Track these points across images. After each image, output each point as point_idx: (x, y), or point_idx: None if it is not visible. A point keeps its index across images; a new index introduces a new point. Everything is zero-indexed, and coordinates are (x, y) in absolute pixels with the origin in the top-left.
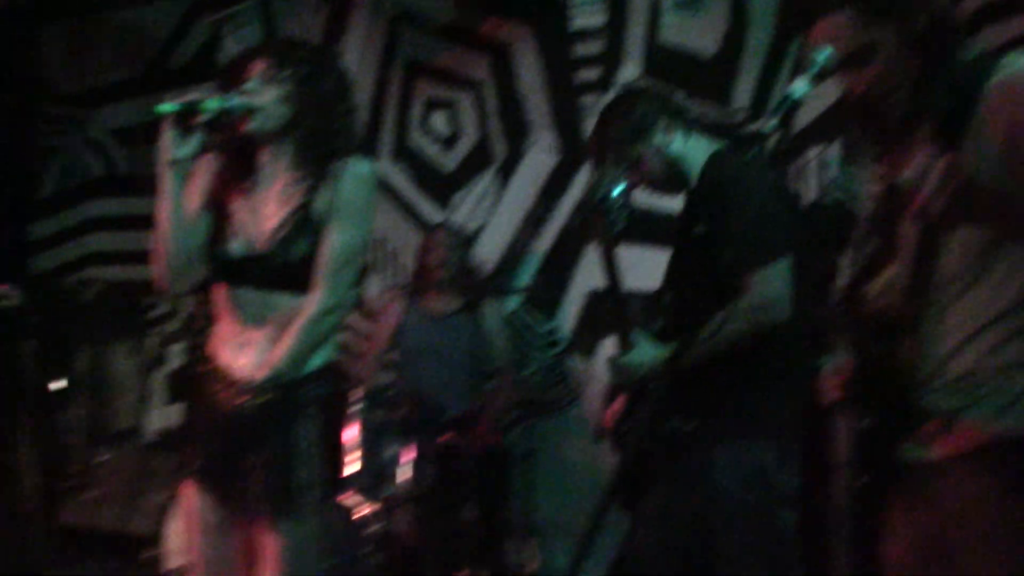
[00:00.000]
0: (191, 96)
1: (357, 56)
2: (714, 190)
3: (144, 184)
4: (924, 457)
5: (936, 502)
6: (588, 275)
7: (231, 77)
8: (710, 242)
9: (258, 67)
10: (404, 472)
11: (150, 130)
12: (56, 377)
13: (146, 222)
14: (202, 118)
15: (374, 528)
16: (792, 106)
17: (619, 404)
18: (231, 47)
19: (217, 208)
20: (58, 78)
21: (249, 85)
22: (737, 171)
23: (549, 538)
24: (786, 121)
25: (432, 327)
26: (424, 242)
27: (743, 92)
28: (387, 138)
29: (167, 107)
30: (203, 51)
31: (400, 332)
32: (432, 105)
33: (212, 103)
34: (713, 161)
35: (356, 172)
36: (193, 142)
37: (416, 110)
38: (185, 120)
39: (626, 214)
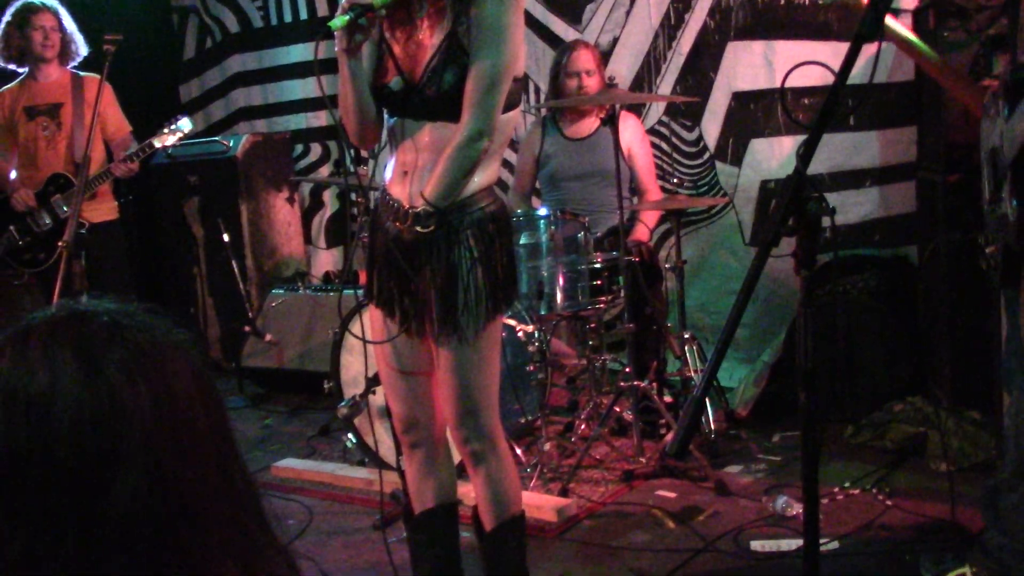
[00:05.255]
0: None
1: None
2: None
3: (278, 35)
4: None
5: None
6: (730, 78)
7: None
8: None
9: None
10: (558, 291)
11: None
12: (223, 231)
13: (286, 72)
14: (379, 13)
15: (533, 346)
16: None
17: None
18: None
19: (380, 48)
20: None
21: None
22: None
23: (707, 344)
24: None
25: (573, 149)
26: (560, 63)
27: None
28: None
29: (340, 21)
30: None
31: (542, 157)
32: None
33: None
34: None
35: None
36: (364, 30)
37: None
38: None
39: None
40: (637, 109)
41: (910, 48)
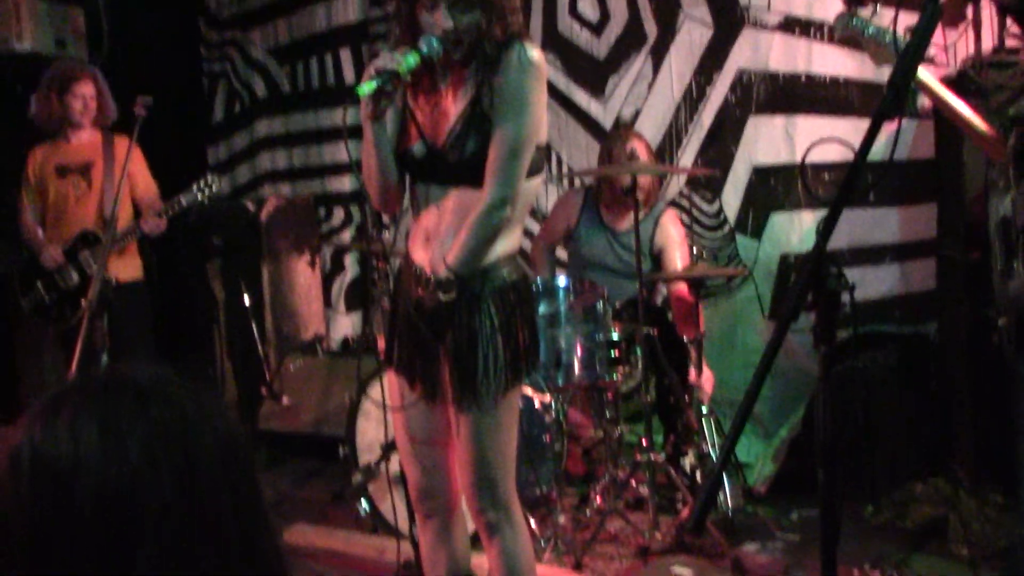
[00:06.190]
0: (386, 65)
1: None
2: None
3: (304, 101)
4: None
5: None
6: (750, 151)
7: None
8: None
9: None
10: (575, 361)
11: (304, 47)
12: (244, 292)
13: (311, 137)
14: (405, 79)
15: (550, 416)
16: None
17: None
18: None
19: (403, 115)
20: (213, 3)
21: (439, 19)
22: None
23: (725, 418)
24: None
25: (609, 240)
26: (612, 153)
27: None
28: (536, 28)
29: (368, 87)
30: None
31: (576, 232)
32: None
33: (409, 61)
34: None
35: (521, 60)
36: (389, 96)
37: None
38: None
39: None
40: (658, 181)
41: (937, 98)
